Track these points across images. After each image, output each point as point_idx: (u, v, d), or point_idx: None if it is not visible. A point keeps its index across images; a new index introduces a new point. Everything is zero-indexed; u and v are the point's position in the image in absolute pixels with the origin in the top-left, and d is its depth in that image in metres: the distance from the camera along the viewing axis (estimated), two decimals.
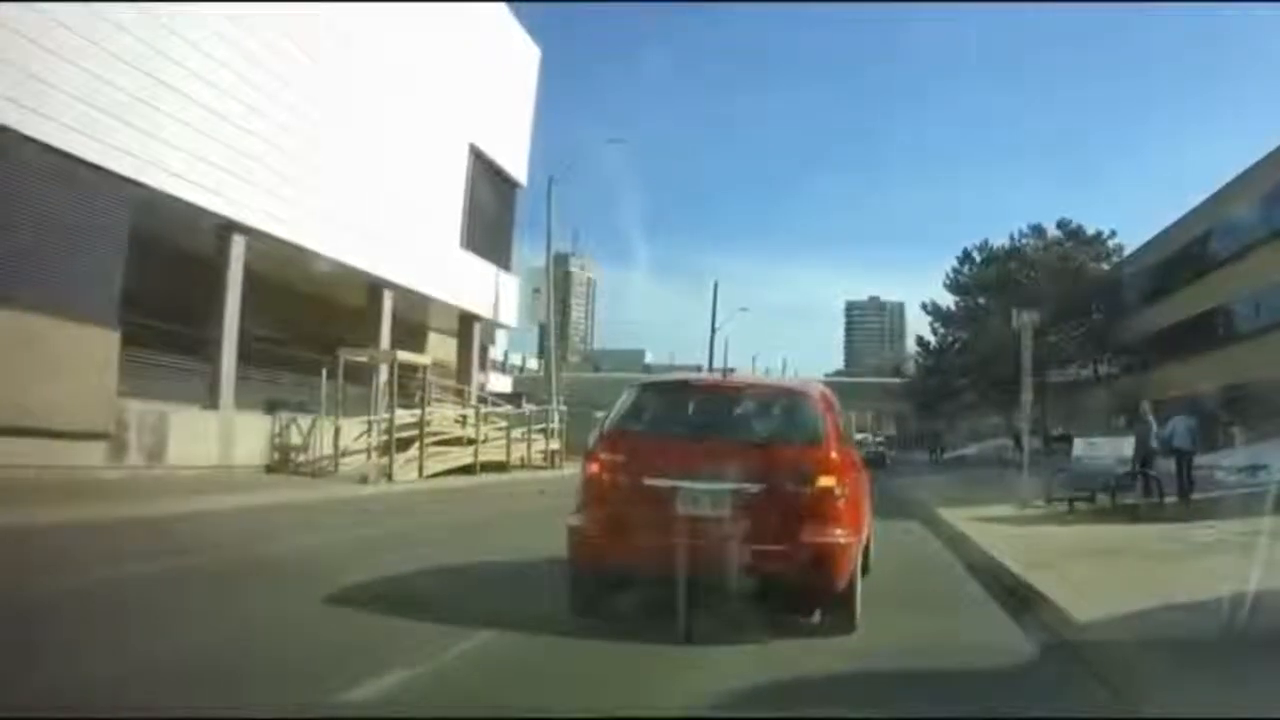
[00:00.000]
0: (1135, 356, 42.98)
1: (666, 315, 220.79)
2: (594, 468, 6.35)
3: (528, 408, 30.78)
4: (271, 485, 17.07)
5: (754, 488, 6.00)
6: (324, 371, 21.00)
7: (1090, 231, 46.34)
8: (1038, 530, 13.07)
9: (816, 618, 6.51)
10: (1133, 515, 14.21)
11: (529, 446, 28.42)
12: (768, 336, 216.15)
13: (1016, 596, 7.97)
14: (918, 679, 5.41)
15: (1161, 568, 9.19)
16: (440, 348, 31.05)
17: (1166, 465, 17.09)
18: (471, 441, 24.62)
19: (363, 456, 21.06)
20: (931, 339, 49.36)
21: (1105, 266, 45.39)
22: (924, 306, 49.50)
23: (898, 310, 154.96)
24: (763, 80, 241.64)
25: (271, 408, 20.71)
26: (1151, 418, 17.87)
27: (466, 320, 30.30)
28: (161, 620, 6.18)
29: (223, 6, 17.90)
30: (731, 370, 7.99)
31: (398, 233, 24.42)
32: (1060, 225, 46.61)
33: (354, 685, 4.61)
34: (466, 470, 23.47)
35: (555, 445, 30.24)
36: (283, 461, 20.11)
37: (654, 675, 5.31)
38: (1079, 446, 17.74)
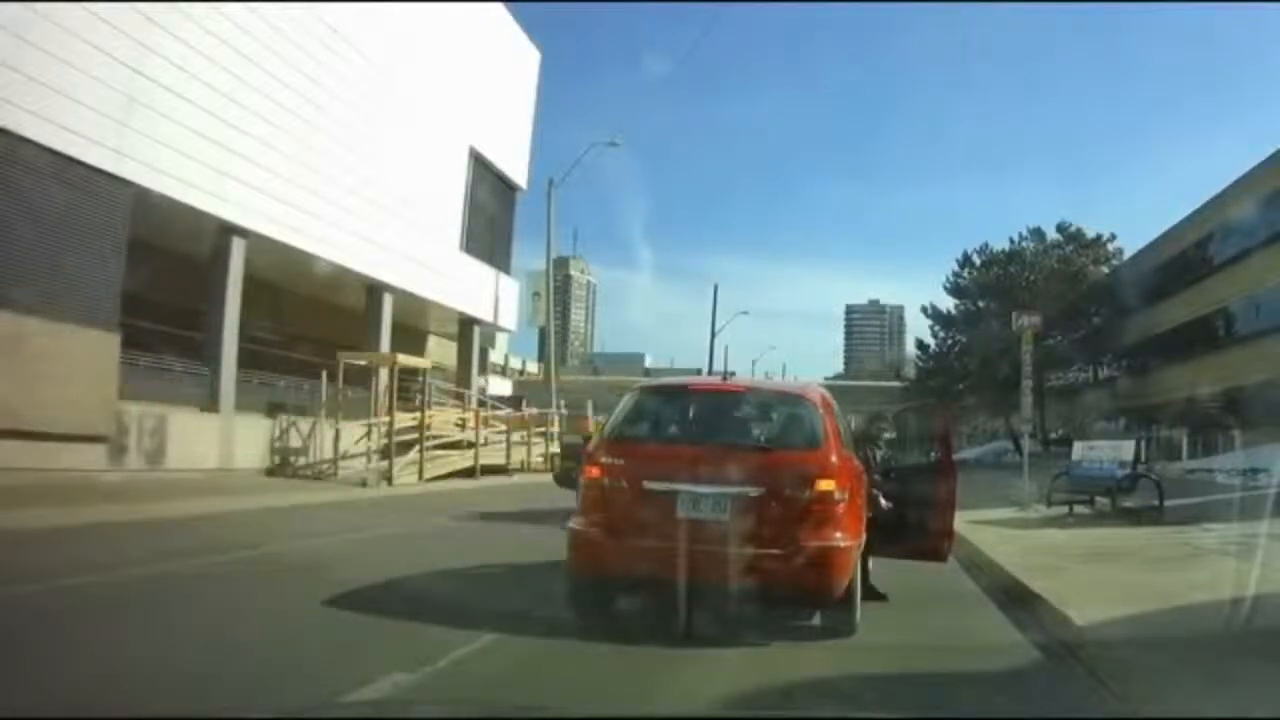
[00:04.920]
0: (1135, 359, 43.00)
1: (666, 318, 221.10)
2: (594, 471, 6.35)
3: (528, 411, 30.75)
4: (271, 488, 17.06)
5: (754, 491, 6.00)
6: (324, 374, 21.01)
7: (1090, 234, 46.33)
8: (1037, 534, 13.09)
9: (816, 619, 6.54)
10: (1132, 519, 14.23)
11: (529, 450, 28.41)
12: (768, 339, 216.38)
13: (1016, 599, 7.99)
14: (918, 679, 5.43)
15: (1160, 571, 9.20)
16: (440, 351, 31.07)
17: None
18: (471, 445, 24.61)
19: (363, 460, 21.05)
20: (931, 342, 49.25)
21: (1105, 269, 45.38)
22: (924, 310, 49.34)
23: (897, 314, 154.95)
24: (763, 83, 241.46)
25: (271, 410, 20.72)
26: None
27: (466, 323, 30.32)
28: (162, 622, 6.20)
29: (222, 7, 17.94)
30: (732, 374, 8.00)
31: (397, 236, 24.44)
32: (1060, 228, 46.54)
33: (356, 687, 4.62)
34: (467, 474, 23.45)
35: (555, 449, 30.20)
36: (282, 465, 20.11)
37: (654, 676, 5.32)
38: (1078, 450, 17.69)
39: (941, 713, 4.85)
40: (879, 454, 8.38)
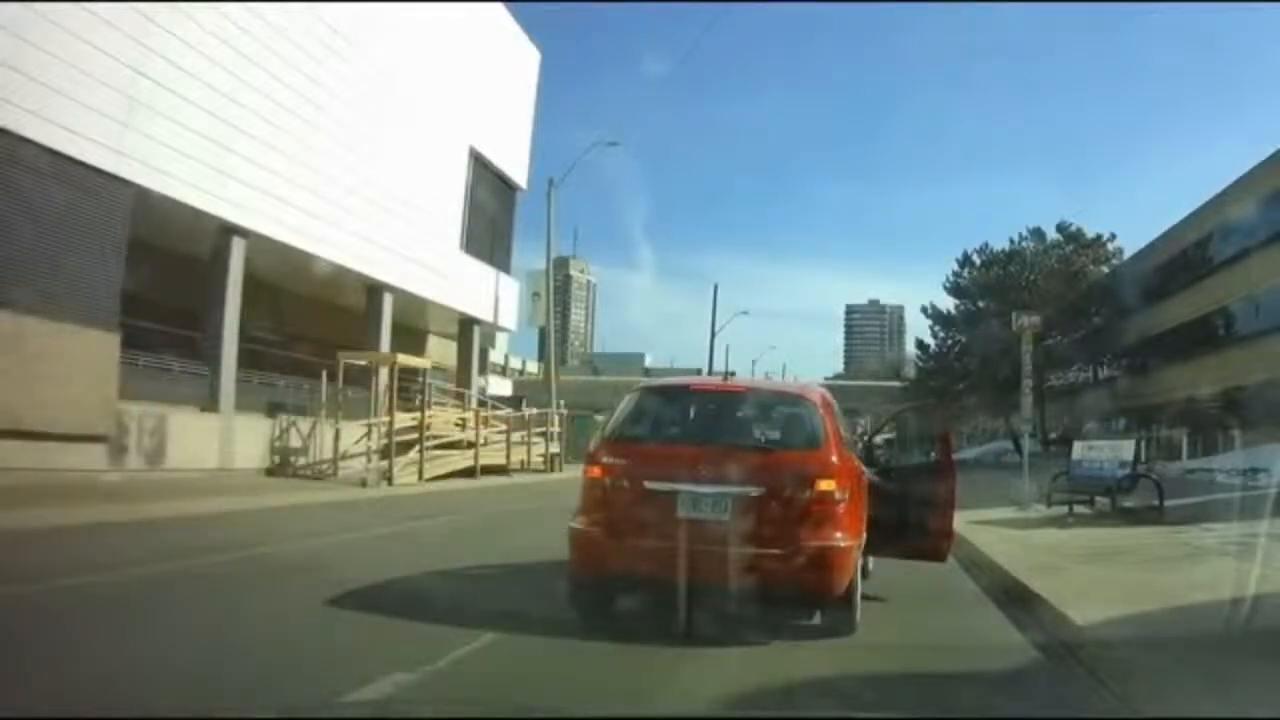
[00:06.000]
0: (1135, 359, 43.00)
1: (666, 318, 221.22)
2: (595, 471, 6.36)
3: (528, 411, 30.77)
4: (271, 488, 17.06)
5: (754, 491, 6.01)
6: (324, 374, 21.00)
7: (1090, 234, 46.28)
8: (1037, 534, 13.08)
9: (817, 619, 6.54)
10: (1132, 519, 14.22)
11: (529, 450, 28.42)
12: (768, 339, 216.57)
13: (1015, 598, 7.99)
14: (917, 679, 5.43)
15: (1160, 571, 9.20)
16: (440, 351, 31.05)
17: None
18: (471, 445, 24.62)
19: (362, 460, 21.04)
20: (931, 342, 49.25)
21: (1105, 269, 45.35)
22: (924, 310, 49.29)
23: (897, 314, 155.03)
24: (763, 83, 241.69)
25: (271, 410, 20.72)
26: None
27: (466, 323, 30.31)
28: (162, 622, 6.19)
29: (222, 7, 17.94)
30: (732, 374, 8.02)
31: (397, 236, 24.44)
32: (1060, 228, 46.47)
33: (356, 687, 4.62)
34: (467, 473, 23.45)
35: (555, 448, 30.23)
36: (282, 464, 20.10)
37: (654, 676, 5.32)
38: (1078, 450, 17.67)
39: (941, 713, 4.85)
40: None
